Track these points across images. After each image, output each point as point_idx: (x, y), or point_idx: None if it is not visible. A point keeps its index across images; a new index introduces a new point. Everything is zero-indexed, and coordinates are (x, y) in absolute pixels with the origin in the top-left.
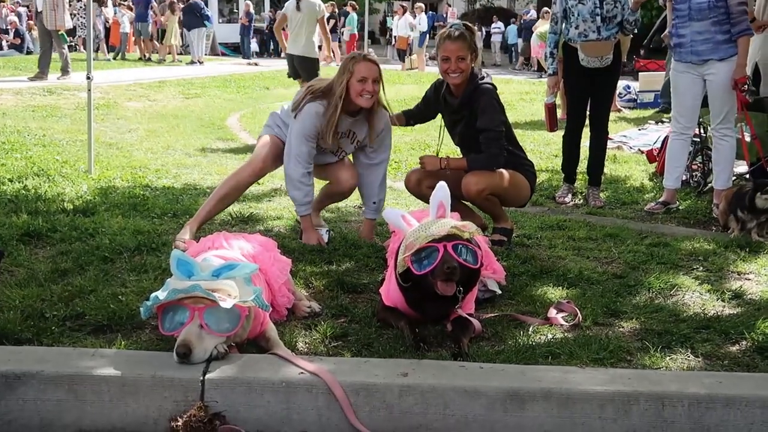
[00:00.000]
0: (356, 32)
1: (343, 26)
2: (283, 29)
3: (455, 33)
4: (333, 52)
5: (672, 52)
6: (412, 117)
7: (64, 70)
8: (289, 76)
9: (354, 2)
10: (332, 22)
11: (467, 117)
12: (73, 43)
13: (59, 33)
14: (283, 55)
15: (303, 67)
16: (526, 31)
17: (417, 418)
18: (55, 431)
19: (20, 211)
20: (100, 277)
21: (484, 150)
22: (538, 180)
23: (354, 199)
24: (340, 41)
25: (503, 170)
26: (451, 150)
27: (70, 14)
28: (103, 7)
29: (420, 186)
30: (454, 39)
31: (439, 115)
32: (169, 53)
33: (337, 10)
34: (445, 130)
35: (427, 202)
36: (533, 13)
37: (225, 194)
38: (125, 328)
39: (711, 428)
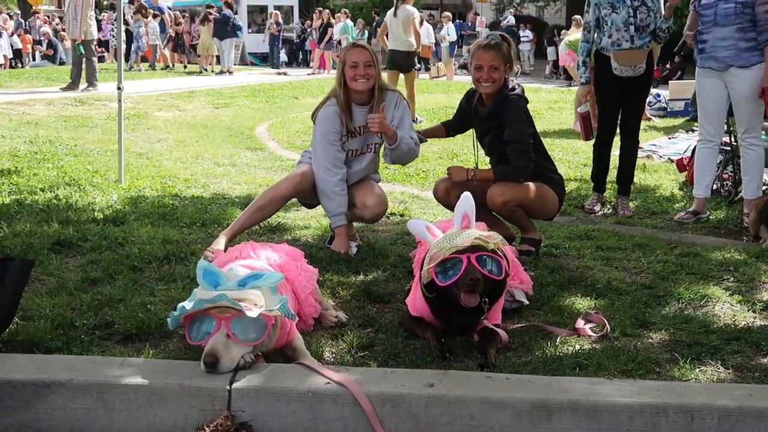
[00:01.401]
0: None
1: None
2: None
3: (490, 42)
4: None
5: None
6: (451, 128)
7: (90, 82)
8: (385, 69)
9: (347, 10)
10: (330, 30)
11: (495, 128)
12: (102, 54)
13: (76, 43)
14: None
15: (403, 59)
16: None
17: (443, 429)
18: None
19: (51, 221)
20: (129, 286)
21: (511, 162)
22: (566, 189)
23: None
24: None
25: (530, 183)
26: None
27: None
28: (144, 19)
29: (448, 195)
30: (489, 48)
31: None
32: (211, 63)
33: (333, 20)
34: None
35: None
36: (511, 20)
37: (261, 205)
38: (153, 337)
39: None
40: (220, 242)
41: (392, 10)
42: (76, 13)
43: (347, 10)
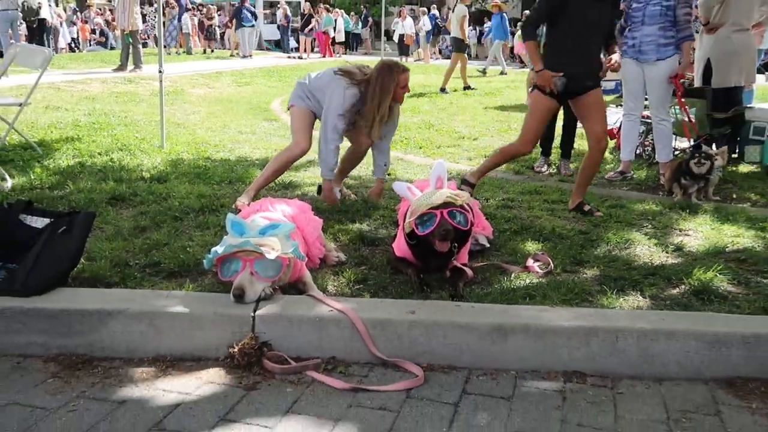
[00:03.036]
0: (330, 32)
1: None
2: None
3: None
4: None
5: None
6: (538, 27)
7: (136, 65)
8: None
9: (327, 5)
10: (312, 21)
11: (609, 5)
12: (146, 41)
13: (125, 33)
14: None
15: (454, 43)
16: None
17: (422, 346)
18: (139, 356)
19: (108, 179)
20: (172, 232)
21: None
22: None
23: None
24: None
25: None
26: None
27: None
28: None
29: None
30: None
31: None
32: (236, 48)
33: (314, 13)
34: None
35: None
36: (426, 21)
37: (276, 169)
38: (192, 274)
39: (655, 356)
40: (246, 197)
41: (453, 5)
42: (125, 7)
43: (327, 6)
